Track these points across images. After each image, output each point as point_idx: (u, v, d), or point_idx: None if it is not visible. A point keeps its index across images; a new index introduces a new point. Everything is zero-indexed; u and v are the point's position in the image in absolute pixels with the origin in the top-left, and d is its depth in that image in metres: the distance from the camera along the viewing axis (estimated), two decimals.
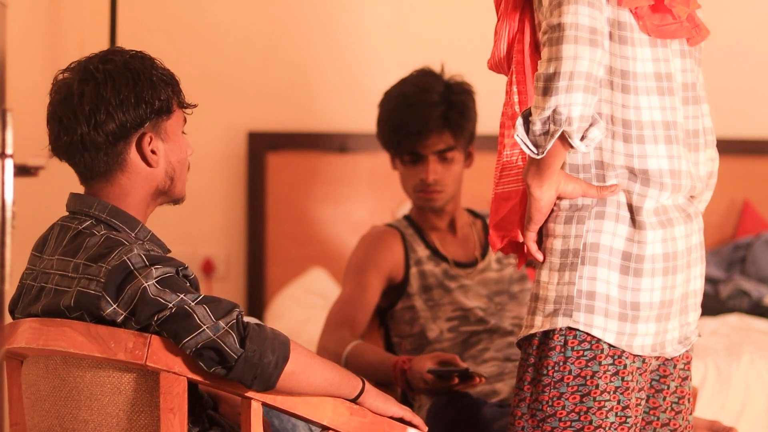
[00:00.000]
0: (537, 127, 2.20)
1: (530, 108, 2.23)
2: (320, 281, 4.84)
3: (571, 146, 2.22)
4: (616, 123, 2.32)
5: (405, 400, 3.16)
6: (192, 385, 2.32)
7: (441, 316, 3.21)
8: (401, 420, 2.41)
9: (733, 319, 4.46)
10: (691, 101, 2.41)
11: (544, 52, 2.21)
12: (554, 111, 2.19)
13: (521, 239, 2.41)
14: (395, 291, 3.27)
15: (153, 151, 2.34)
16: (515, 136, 2.24)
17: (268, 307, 4.85)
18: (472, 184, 3.99)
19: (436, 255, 3.28)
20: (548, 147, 2.21)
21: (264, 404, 2.27)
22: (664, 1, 2.31)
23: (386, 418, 2.38)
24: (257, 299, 4.96)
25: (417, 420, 2.42)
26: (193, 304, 2.19)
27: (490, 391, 3.10)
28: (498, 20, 2.41)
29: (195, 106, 2.41)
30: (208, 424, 2.41)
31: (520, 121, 2.23)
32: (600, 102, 2.31)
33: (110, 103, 2.29)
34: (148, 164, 2.35)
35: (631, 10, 2.31)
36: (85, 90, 2.30)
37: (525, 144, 2.23)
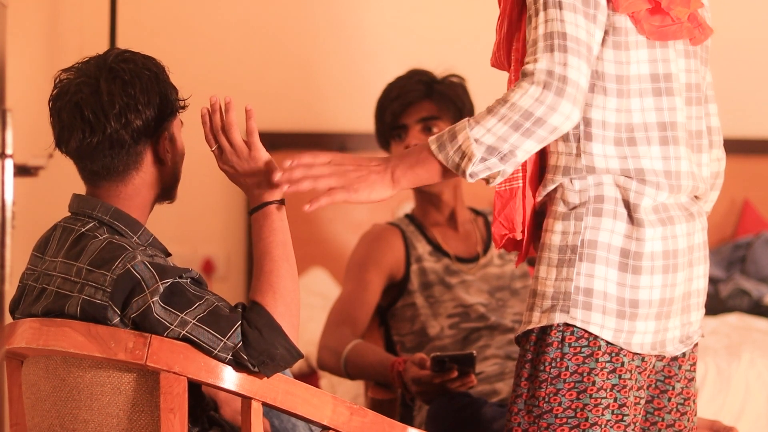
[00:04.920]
0: (481, 151, 2.22)
1: (481, 124, 2.23)
2: (320, 281, 4.84)
3: (459, 174, 2.24)
4: (608, 128, 2.31)
5: (404, 401, 3.16)
6: (193, 386, 2.32)
7: (442, 313, 3.22)
8: None
9: (733, 319, 4.46)
10: (694, 102, 2.40)
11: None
12: (511, 152, 2.21)
13: (519, 237, 2.42)
14: (396, 288, 3.27)
15: (167, 151, 2.36)
16: (440, 139, 2.25)
17: None
18: (473, 183, 3.99)
19: (438, 250, 3.28)
20: (479, 176, 2.23)
21: (264, 404, 2.27)
22: (662, 5, 2.31)
23: (386, 417, 2.38)
24: None
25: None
26: (195, 327, 2.21)
27: (491, 390, 3.11)
28: (499, 17, 2.41)
29: (187, 106, 2.43)
30: (208, 425, 2.41)
31: (467, 130, 2.23)
32: (590, 107, 2.31)
33: (139, 101, 2.31)
34: (163, 163, 2.37)
35: (628, 14, 2.31)
36: (114, 89, 2.30)
37: (448, 155, 2.24)
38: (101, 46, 4.26)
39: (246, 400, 2.26)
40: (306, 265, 4.88)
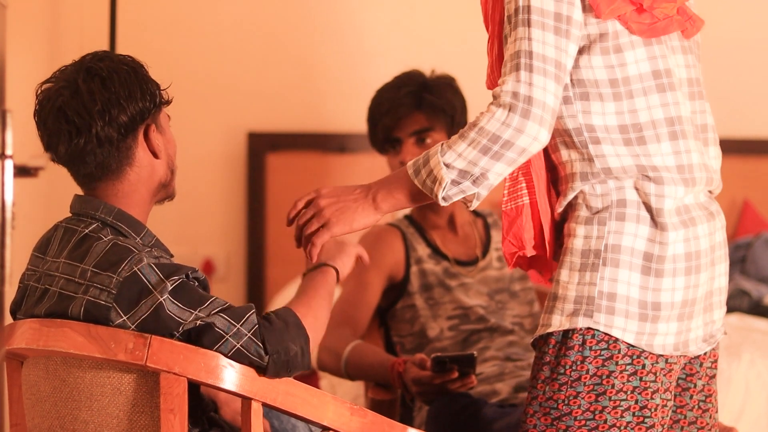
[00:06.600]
0: (452, 175, 2.26)
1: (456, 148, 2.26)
2: None
3: (434, 197, 2.29)
4: (612, 131, 2.32)
5: (404, 401, 3.16)
6: (193, 387, 2.32)
7: (441, 315, 3.22)
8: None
9: (733, 319, 4.46)
10: (697, 96, 2.41)
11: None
12: (483, 175, 2.25)
13: (530, 254, 2.43)
14: (396, 290, 3.27)
15: (158, 143, 2.37)
16: (416, 163, 2.30)
17: (268, 307, 4.85)
18: None
19: (437, 253, 3.28)
20: (454, 199, 2.28)
21: (264, 404, 2.27)
22: (644, 5, 2.31)
23: (386, 418, 2.38)
24: (257, 299, 4.95)
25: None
26: (209, 315, 2.21)
27: (490, 391, 3.10)
28: (488, 40, 2.42)
29: (171, 100, 2.43)
30: (208, 425, 2.41)
31: (441, 157, 2.27)
32: (589, 114, 2.31)
33: (120, 96, 2.31)
34: (155, 155, 2.37)
35: (615, 18, 2.31)
36: (93, 87, 2.30)
37: (423, 179, 2.29)
38: (101, 46, 4.26)
39: (246, 400, 2.26)
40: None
